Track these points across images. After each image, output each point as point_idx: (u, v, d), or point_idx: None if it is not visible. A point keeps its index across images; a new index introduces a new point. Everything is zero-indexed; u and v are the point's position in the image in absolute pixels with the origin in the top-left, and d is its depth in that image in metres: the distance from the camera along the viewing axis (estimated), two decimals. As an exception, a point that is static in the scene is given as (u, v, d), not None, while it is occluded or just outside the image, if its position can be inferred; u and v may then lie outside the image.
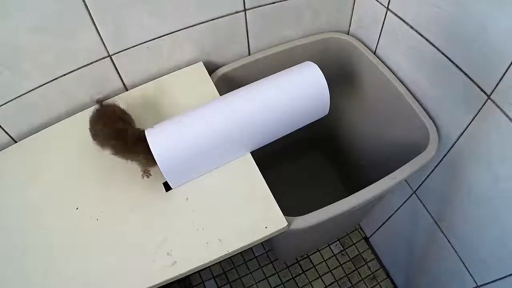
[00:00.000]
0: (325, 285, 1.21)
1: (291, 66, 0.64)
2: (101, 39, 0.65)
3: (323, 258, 1.26)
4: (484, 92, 0.61)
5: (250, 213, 0.57)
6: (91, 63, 0.68)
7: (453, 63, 0.65)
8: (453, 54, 0.64)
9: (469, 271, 0.81)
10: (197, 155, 0.57)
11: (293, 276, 1.23)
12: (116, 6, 0.62)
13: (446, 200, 0.81)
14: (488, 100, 0.60)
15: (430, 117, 0.74)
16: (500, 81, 0.57)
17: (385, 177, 0.65)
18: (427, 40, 0.68)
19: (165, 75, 0.76)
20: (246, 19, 0.76)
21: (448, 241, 0.85)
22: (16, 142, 0.69)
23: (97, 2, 0.60)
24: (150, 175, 0.61)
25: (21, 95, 0.65)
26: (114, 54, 0.69)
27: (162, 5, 0.66)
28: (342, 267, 1.24)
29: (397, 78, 0.79)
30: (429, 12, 0.65)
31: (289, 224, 0.57)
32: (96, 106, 0.59)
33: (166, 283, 0.52)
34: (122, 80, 0.74)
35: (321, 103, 0.62)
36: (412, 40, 0.72)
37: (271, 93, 0.60)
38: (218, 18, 0.73)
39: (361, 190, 0.63)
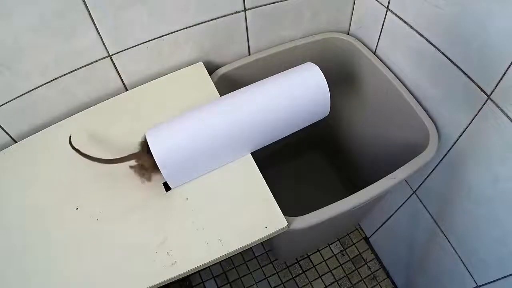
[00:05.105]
0: (325, 285, 1.21)
1: (291, 66, 0.64)
2: (101, 39, 0.65)
3: (323, 258, 1.26)
4: (484, 92, 0.61)
5: (250, 213, 0.57)
6: (91, 63, 0.68)
7: (453, 63, 0.65)
8: (453, 54, 0.64)
9: (469, 271, 0.81)
10: (197, 156, 0.57)
11: (293, 276, 1.23)
12: (116, 6, 0.62)
13: (446, 200, 0.81)
14: (488, 100, 0.60)
15: (430, 117, 0.74)
16: (500, 81, 0.57)
17: (385, 177, 0.65)
18: (427, 40, 0.68)
19: (165, 75, 0.76)
20: (246, 19, 0.76)
21: (448, 241, 0.85)
22: (16, 142, 0.69)
23: (97, 2, 0.60)
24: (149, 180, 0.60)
25: (21, 95, 0.65)
26: (114, 54, 0.69)
27: (162, 5, 0.66)
28: (342, 267, 1.24)
29: (397, 78, 0.79)
30: (429, 12, 0.65)
31: (289, 224, 0.57)
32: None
33: (166, 283, 0.52)
34: (122, 80, 0.74)
35: (322, 104, 0.62)
36: (412, 40, 0.72)
37: (272, 94, 0.60)
38: (218, 18, 0.73)
39: (361, 190, 0.63)
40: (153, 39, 0.70)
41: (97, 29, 0.63)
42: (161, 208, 0.59)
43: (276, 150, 0.88)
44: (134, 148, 0.59)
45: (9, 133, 0.68)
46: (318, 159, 1.25)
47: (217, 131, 0.57)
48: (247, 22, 0.77)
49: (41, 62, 0.63)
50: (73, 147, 0.62)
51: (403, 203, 0.98)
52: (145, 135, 0.57)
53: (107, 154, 0.62)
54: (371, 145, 0.98)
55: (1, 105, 0.64)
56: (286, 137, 0.65)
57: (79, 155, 0.61)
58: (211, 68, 0.80)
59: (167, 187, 0.60)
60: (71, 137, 0.63)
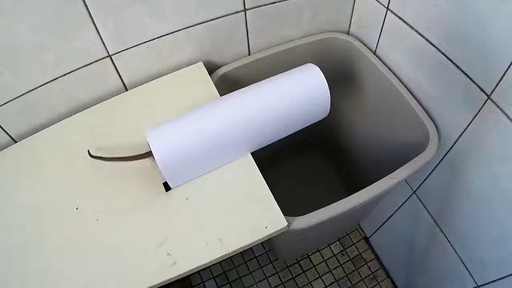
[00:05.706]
0: (325, 285, 1.21)
1: (291, 66, 0.64)
2: (101, 39, 0.65)
3: (323, 258, 1.26)
4: (484, 92, 0.61)
5: (250, 213, 0.57)
6: (91, 63, 0.68)
7: (453, 63, 0.65)
8: (453, 54, 0.64)
9: (469, 271, 0.81)
10: (197, 156, 0.57)
11: (293, 276, 1.23)
12: (116, 6, 0.62)
13: (446, 200, 0.81)
14: (488, 100, 0.60)
15: (430, 117, 0.74)
16: (500, 81, 0.57)
17: (385, 177, 0.65)
18: (427, 40, 0.68)
19: (165, 75, 0.76)
20: (246, 19, 0.76)
21: (448, 241, 0.85)
22: (16, 142, 0.69)
23: (97, 2, 0.60)
24: None
25: (21, 95, 0.65)
26: (114, 54, 0.69)
27: (162, 5, 0.66)
28: (342, 267, 1.24)
29: (397, 78, 0.79)
30: (429, 12, 0.65)
31: (289, 224, 0.57)
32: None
33: (166, 283, 0.52)
34: (122, 80, 0.74)
35: (322, 104, 0.62)
36: (412, 40, 0.72)
37: (272, 95, 0.60)
38: (218, 18, 0.73)
39: (361, 190, 0.63)
40: (153, 39, 0.70)
41: (97, 29, 0.63)
42: (161, 208, 0.58)
43: (276, 150, 0.88)
44: (137, 146, 0.60)
45: (9, 133, 0.68)
46: (318, 159, 1.25)
47: (217, 131, 0.57)
48: (247, 22, 0.77)
49: (41, 62, 0.63)
50: (92, 156, 0.62)
51: (403, 203, 0.98)
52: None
53: (107, 154, 0.62)
54: (371, 145, 0.98)
55: (1, 105, 0.64)
56: (286, 137, 0.65)
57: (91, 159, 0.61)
58: (211, 68, 0.80)
59: (167, 187, 0.60)
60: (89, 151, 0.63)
